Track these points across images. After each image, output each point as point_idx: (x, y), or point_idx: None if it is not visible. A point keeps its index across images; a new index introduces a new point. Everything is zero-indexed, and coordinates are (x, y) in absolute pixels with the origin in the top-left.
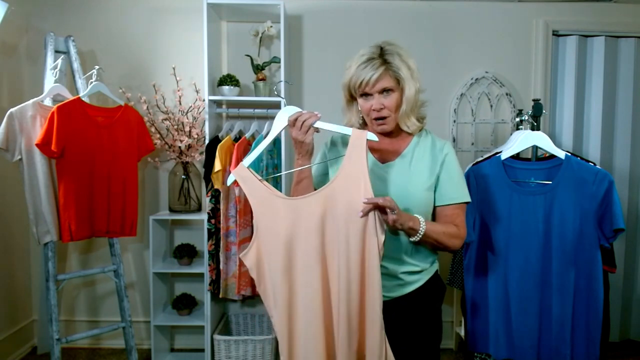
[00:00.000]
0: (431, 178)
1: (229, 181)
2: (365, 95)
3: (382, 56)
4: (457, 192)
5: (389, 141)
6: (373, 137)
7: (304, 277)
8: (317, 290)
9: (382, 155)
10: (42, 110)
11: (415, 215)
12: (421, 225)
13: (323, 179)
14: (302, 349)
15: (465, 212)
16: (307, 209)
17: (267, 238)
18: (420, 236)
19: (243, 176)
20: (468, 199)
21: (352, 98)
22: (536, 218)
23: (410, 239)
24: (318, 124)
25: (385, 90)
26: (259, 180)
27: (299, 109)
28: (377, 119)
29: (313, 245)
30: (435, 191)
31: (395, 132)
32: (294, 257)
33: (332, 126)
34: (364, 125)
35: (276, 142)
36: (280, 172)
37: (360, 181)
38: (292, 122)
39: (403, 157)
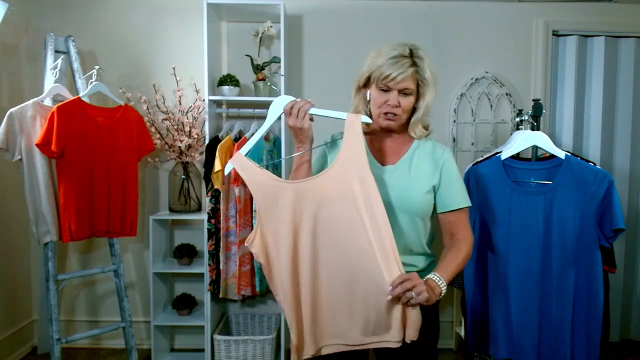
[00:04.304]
0: (431, 182)
1: (227, 170)
2: (385, 88)
3: (412, 57)
4: (458, 198)
5: (391, 142)
6: (367, 119)
7: (308, 261)
8: (319, 270)
9: (382, 157)
10: (42, 110)
11: (429, 278)
12: (442, 289)
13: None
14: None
15: (468, 216)
16: (308, 193)
17: (270, 223)
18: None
19: (242, 164)
20: (469, 204)
21: (364, 86)
22: (536, 218)
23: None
24: (312, 111)
25: (405, 90)
26: (258, 167)
27: (292, 98)
28: (387, 113)
29: (316, 230)
30: (435, 197)
31: (399, 133)
32: (298, 241)
33: (326, 112)
34: (368, 114)
35: (276, 142)
36: (280, 171)
37: (359, 163)
38: (289, 111)
39: (403, 161)
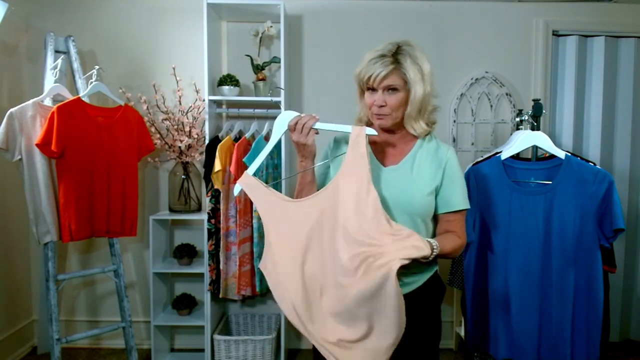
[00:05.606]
0: (433, 183)
1: (236, 191)
2: (371, 89)
3: (395, 55)
4: (458, 199)
5: (393, 143)
6: (372, 131)
7: (316, 276)
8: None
9: (385, 158)
10: (42, 110)
11: (428, 239)
12: (434, 247)
13: (325, 177)
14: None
15: (465, 218)
16: (315, 210)
17: (280, 245)
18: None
19: (250, 185)
20: (468, 206)
21: (363, 92)
22: (536, 218)
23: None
24: (317, 125)
25: (390, 88)
26: (265, 187)
27: (297, 113)
28: (377, 114)
29: (325, 246)
30: (436, 197)
31: (400, 132)
32: (307, 260)
33: (331, 126)
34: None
35: (276, 143)
36: (280, 171)
37: (362, 177)
38: (293, 127)
39: (405, 161)
